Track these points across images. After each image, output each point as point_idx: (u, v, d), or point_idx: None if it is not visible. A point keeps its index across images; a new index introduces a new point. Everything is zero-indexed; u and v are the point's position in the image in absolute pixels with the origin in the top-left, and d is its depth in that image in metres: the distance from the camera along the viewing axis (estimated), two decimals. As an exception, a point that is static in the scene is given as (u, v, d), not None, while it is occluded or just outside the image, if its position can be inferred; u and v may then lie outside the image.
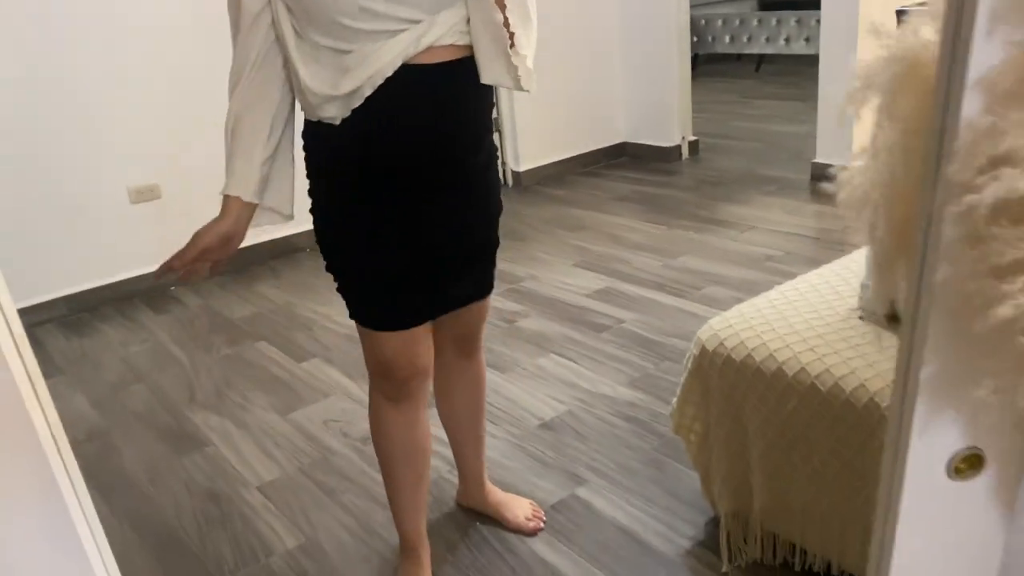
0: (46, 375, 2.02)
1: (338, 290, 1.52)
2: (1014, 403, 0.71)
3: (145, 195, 3.51)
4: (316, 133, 1.38)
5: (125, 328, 3.26)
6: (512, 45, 1.31)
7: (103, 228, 3.45)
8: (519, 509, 1.89)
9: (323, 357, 2.84)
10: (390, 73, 1.28)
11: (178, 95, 3.46)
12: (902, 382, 0.81)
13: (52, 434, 0.80)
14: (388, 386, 1.57)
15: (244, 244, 4.17)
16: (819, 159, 4.04)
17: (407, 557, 1.74)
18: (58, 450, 0.82)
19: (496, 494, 1.92)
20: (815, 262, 3.11)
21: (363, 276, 1.45)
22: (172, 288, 3.61)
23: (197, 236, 1.44)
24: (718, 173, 4.53)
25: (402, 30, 1.27)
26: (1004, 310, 0.63)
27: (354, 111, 1.31)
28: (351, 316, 1.52)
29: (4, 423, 0.76)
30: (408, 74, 1.29)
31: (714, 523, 1.80)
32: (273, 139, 1.42)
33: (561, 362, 2.61)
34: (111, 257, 3.50)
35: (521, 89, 1.37)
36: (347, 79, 1.28)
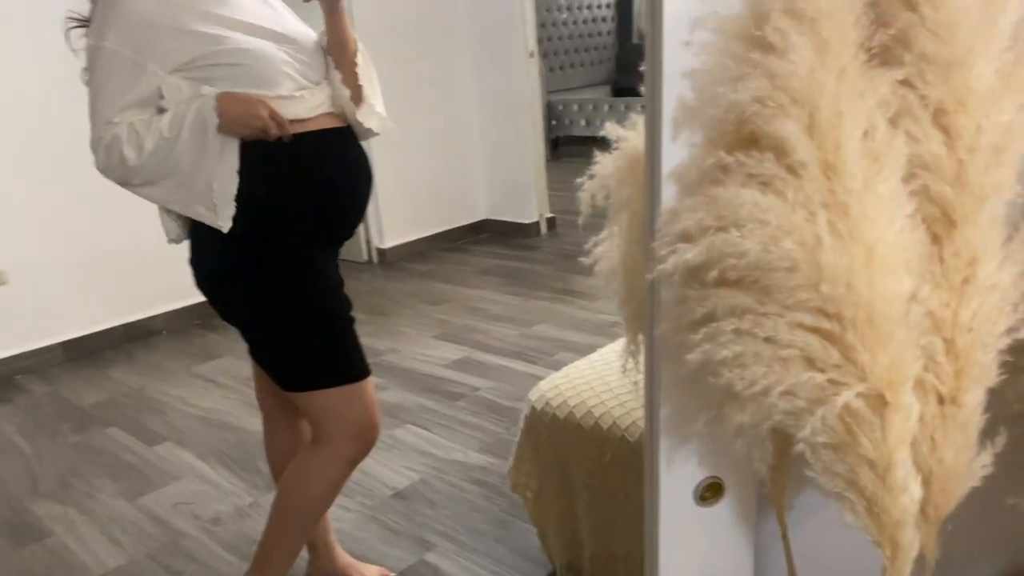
0: None
1: (302, 370, 1.55)
2: (734, 436, 0.86)
3: (-13, 280, 3.39)
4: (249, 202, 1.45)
5: (-38, 420, 3.10)
6: (364, 102, 1.55)
7: (-61, 316, 3.30)
8: (369, 573, 1.94)
9: (175, 440, 2.80)
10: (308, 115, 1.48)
11: (19, 176, 3.40)
12: (649, 423, 0.96)
13: None
14: (365, 443, 1.63)
15: (96, 328, 4.04)
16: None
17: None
18: None
19: (346, 558, 1.96)
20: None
21: (333, 326, 1.56)
22: (17, 376, 3.46)
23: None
24: (574, 247, 4.79)
25: (296, 96, 1.46)
26: (695, 356, 0.78)
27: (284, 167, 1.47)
28: (330, 383, 1.55)
29: None
30: (328, 131, 1.51)
31: (554, 576, 1.90)
32: None
33: (416, 431, 2.69)
34: (-52, 346, 3.34)
35: (383, 132, 1.61)
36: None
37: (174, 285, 3.68)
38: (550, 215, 5.15)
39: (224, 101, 1.39)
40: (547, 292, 4.01)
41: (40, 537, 2.29)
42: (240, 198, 1.43)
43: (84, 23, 1.46)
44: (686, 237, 0.77)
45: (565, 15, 7.69)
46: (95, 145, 1.43)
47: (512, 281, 4.24)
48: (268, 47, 1.44)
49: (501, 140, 5.03)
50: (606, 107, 7.15)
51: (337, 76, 1.53)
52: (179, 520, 2.31)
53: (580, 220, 0.91)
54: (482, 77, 4.97)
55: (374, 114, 1.59)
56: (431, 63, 4.78)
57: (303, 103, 1.47)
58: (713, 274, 0.75)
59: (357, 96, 1.55)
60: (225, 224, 1.42)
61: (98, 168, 1.45)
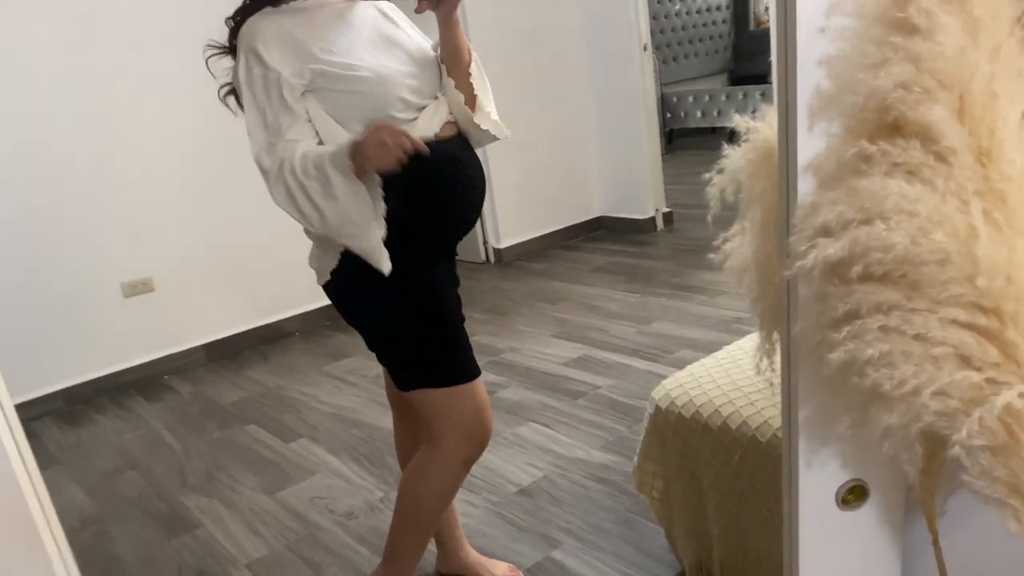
0: (42, 467, 2.11)
1: (411, 370, 1.60)
2: (881, 438, 0.82)
3: (138, 288, 3.65)
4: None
5: (119, 418, 3.36)
6: (478, 108, 1.59)
7: (97, 322, 3.57)
8: (497, 570, 1.96)
9: (309, 436, 2.93)
10: (431, 136, 1.52)
11: (172, 187, 3.64)
12: (786, 424, 0.93)
13: (50, 526, 0.90)
14: (475, 444, 1.66)
15: (234, 331, 4.25)
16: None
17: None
18: (55, 541, 0.91)
19: (474, 555, 1.99)
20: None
21: (441, 328, 1.59)
22: (165, 377, 3.71)
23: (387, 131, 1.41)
24: (692, 242, 4.70)
25: (420, 112, 1.53)
26: (838, 356, 0.75)
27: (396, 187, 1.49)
28: (437, 382, 1.59)
29: (5, 518, 0.85)
30: (445, 143, 1.55)
31: (682, 577, 1.87)
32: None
33: (538, 429, 2.71)
34: (106, 349, 3.61)
35: (500, 138, 1.64)
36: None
37: (305, 289, 3.86)
38: (666, 210, 5.07)
39: (357, 156, 1.38)
40: (665, 288, 3.95)
41: (190, 528, 2.45)
42: None
43: (224, 50, 1.56)
44: (826, 231, 0.74)
45: (678, 6, 7.55)
46: (266, 169, 1.45)
47: (629, 278, 4.20)
48: (388, 71, 1.48)
49: (615, 136, 4.99)
50: (723, 97, 6.96)
51: (451, 83, 1.57)
52: (315, 513, 2.42)
53: (710, 216, 0.89)
54: (595, 73, 4.95)
55: (490, 120, 1.61)
56: (544, 62, 4.80)
57: (419, 122, 1.51)
58: (857, 269, 0.72)
59: (472, 102, 1.58)
60: (386, 267, 1.46)
61: (271, 193, 1.48)
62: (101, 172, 3.49)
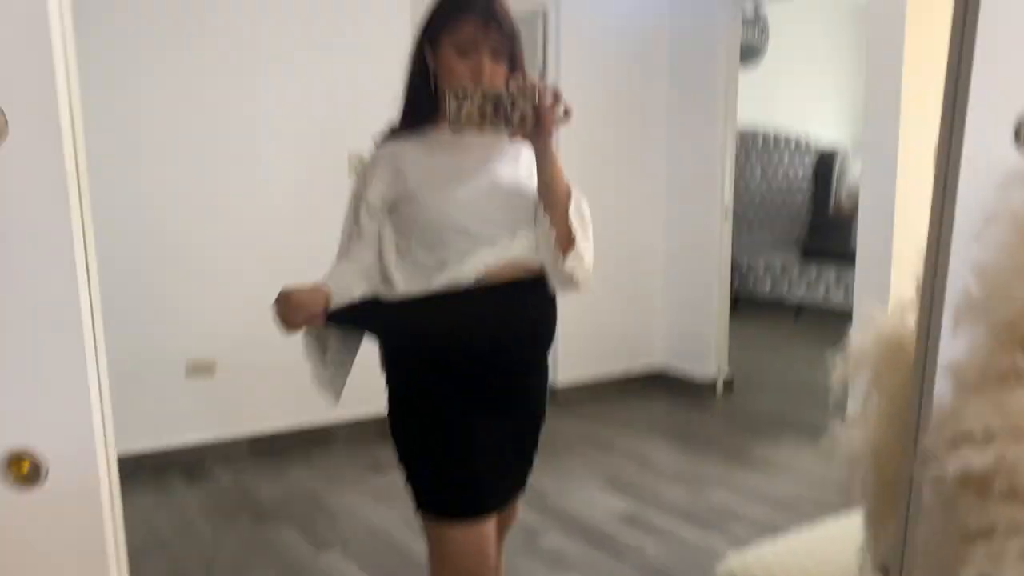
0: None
1: (411, 487, 1.64)
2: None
3: (201, 369, 3.71)
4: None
5: (157, 495, 3.33)
6: (573, 249, 1.56)
7: (153, 396, 3.61)
8: None
9: (342, 549, 2.85)
10: (469, 280, 1.53)
11: (247, 276, 3.75)
12: (891, 634, 0.87)
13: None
14: None
15: (280, 427, 4.25)
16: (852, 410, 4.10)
17: None
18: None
19: None
20: (843, 513, 3.10)
21: (439, 450, 1.58)
22: (208, 462, 3.70)
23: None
24: (752, 412, 4.60)
25: (485, 245, 1.54)
26: (968, 571, 0.71)
27: (433, 307, 1.55)
28: (430, 510, 1.61)
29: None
30: (482, 287, 1.55)
31: None
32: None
33: (578, 584, 2.59)
34: (157, 425, 3.64)
35: (582, 290, 1.61)
36: (435, 284, 1.54)
37: (355, 395, 3.86)
38: (728, 374, 5.00)
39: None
40: (722, 456, 3.84)
41: (209, 624, 2.37)
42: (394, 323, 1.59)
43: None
44: (968, 440, 0.72)
45: (759, 178, 7.73)
46: None
47: (686, 438, 4.11)
48: (451, 200, 1.54)
49: (685, 293, 5.02)
50: (795, 271, 6.98)
51: (545, 221, 1.56)
52: (337, 633, 2.32)
53: (830, 399, 0.88)
54: (672, 229, 5.05)
55: (580, 266, 1.57)
56: (624, 211, 4.91)
57: (468, 260, 1.53)
58: (1000, 486, 0.69)
59: (565, 242, 1.56)
60: (328, 400, 1.75)
61: None
62: (189, 245, 3.62)
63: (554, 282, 1.61)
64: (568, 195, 1.57)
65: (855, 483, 0.90)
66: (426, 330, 1.57)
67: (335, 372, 1.71)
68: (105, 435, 0.79)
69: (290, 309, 1.55)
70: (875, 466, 0.88)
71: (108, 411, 0.81)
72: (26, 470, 0.72)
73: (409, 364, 1.61)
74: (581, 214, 1.59)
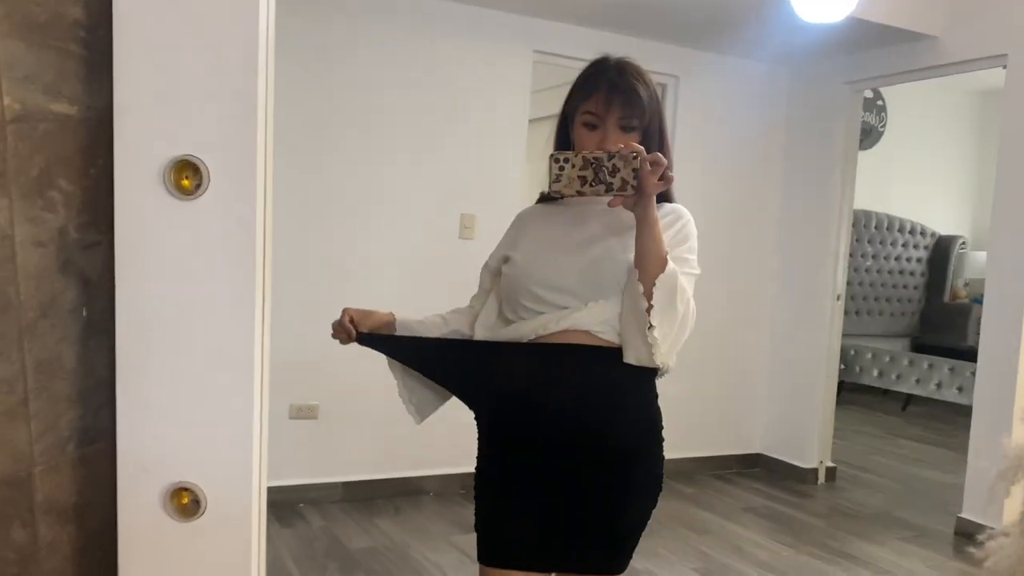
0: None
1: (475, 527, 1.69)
2: None
3: (304, 413, 3.81)
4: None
5: (251, 533, 3.41)
6: (651, 327, 1.49)
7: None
8: None
9: (428, 607, 2.84)
10: (523, 340, 1.56)
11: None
12: None
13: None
14: None
15: (375, 476, 4.30)
16: (965, 514, 3.85)
17: None
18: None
19: None
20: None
21: (485, 508, 1.64)
22: (300, 505, 3.77)
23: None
24: (854, 506, 4.37)
25: (552, 311, 1.56)
26: None
27: (463, 350, 1.67)
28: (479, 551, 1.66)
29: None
30: (536, 348, 1.56)
31: None
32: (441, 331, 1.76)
33: (668, 672, 2.49)
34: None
35: (655, 365, 1.54)
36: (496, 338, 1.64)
37: (446, 450, 3.90)
38: (831, 464, 4.79)
39: None
40: (821, 550, 3.65)
41: (294, 669, 2.38)
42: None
43: None
44: None
45: (870, 262, 7.49)
46: None
47: (782, 528, 3.93)
48: (535, 265, 1.59)
49: (789, 377, 4.87)
50: (905, 361, 6.68)
51: (638, 290, 1.49)
52: None
53: (997, 514, 0.83)
54: (781, 311, 4.93)
55: (643, 347, 1.51)
56: (736, 288, 4.83)
57: (528, 322, 1.57)
58: None
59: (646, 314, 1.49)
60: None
61: None
62: (318, 292, 3.77)
63: (627, 354, 1.53)
64: (662, 264, 1.51)
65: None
66: (443, 368, 1.69)
67: (419, 398, 1.81)
68: (261, 476, 0.82)
69: (341, 320, 1.71)
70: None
71: (265, 453, 0.85)
72: (186, 501, 0.76)
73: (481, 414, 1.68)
74: (672, 287, 1.51)
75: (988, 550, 0.88)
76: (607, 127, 1.57)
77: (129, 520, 0.75)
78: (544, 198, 1.73)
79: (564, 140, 1.66)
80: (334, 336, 1.75)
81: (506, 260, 1.66)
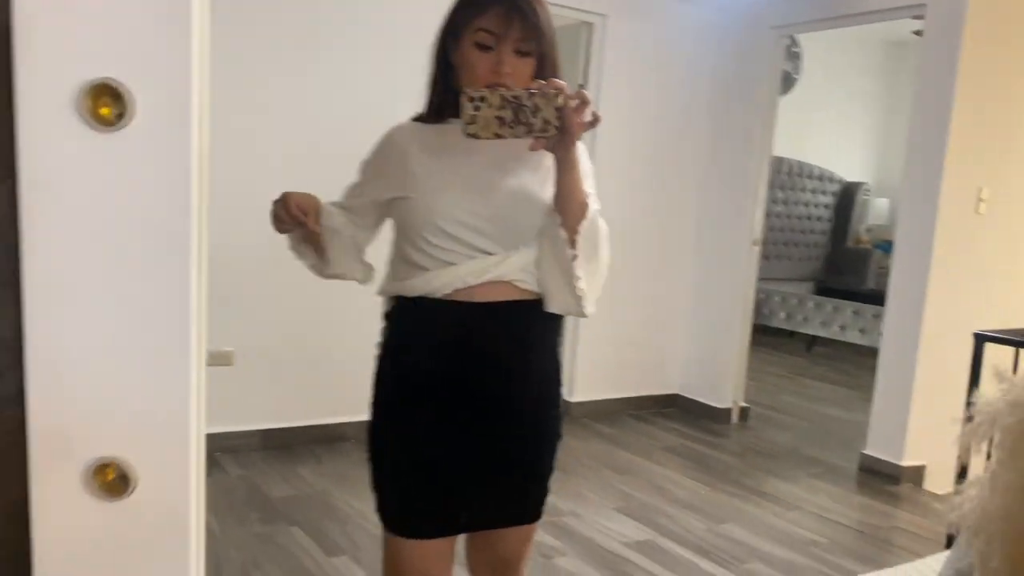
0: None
1: (372, 487, 1.58)
2: None
3: (219, 360, 3.63)
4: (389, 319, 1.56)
5: (164, 484, 3.27)
6: (578, 278, 1.43)
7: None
8: None
9: (352, 556, 2.79)
10: (437, 294, 1.43)
11: (269, 262, 3.69)
12: None
13: None
14: None
15: (294, 423, 4.19)
16: (869, 451, 4.04)
17: None
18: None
19: None
20: (860, 556, 3.05)
21: (391, 470, 1.53)
22: (217, 454, 3.64)
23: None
24: (766, 444, 4.54)
25: (472, 258, 1.42)
26: None
27: (406, 315, 1.50)
28: (381, 517, 1.56)
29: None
30: (457, 306, 1.43)
31: None
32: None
33: (596, 612, 2.53)
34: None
35: (582, 315, 1.48)
36: (407, 290, 1.47)
37: (366, 397, 3.81)
38: (744, 404, 4.94)
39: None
40: (737, 488, 3.77)
41: (217, 625, 2.31)
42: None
43: None
44: None
45: (780, 207, 7.69)
46: None
47: (700, 467, 4.04)
48: (440, 200, 1.41)
49: (706, 319, 4.96)
50: (811, 304, 6.93)
51: (561, 237, 1.42)
52: (348, 645, 2.26)
53: (956, 466, 0.82)
54: (701, 258, 4.99)
55: (570, 298, 1.45)
56: (653, 237, 4.85)
57: (442, 277, 1.42)
58: None
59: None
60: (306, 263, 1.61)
61: None
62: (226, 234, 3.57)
63: (551, 304, 1.47)
64: (583, 209, 1.42)
65: (975, 555, 0.84)
66: (389, 339, 1.54)
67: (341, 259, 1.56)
68: (199, 448, 0.73)
69: (287, 207, 1.42)
70: (1002, 541, 0.82)
71: (204, 420, 0.75)
72: (112, 478, 0.67)
73: (379, 365, 1.56)
74: (595, 233, 1.45)
75: (955, 504, 0.88)
76: (502, 50, 1.38)
77: (45, 502, 0.64)
78: (421, 118, 1.52)
79: (444, 63, 1.47)
80: (280, 229, 1.48)
81: (401, 196, 1.45)
